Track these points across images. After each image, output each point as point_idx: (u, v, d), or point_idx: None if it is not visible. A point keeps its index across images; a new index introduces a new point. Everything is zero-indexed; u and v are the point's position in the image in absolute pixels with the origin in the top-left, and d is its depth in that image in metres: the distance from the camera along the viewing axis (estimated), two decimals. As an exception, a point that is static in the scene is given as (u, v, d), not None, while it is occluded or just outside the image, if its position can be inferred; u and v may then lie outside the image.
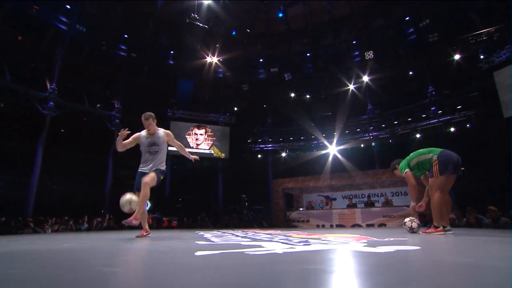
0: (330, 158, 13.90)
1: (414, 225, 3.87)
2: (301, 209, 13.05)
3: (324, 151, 14.24)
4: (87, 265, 1.44)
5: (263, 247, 2.25)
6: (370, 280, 1.01)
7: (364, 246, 2.15)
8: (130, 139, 3.90)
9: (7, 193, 11.61)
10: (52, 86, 11.94)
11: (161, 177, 3.81)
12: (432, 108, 11.68)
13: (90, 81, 13.40)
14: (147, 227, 3.82)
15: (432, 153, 3.70)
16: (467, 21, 11.06)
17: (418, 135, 11.60)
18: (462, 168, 3.75)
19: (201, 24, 10.74)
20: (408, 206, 10.88)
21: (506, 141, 9.91)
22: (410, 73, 12.84)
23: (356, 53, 14.32)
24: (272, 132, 15.65)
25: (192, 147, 14.20)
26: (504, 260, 1.40)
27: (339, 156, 13.75)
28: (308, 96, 14.93)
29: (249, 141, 15.46)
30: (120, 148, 3.82)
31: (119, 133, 3.72)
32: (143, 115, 3.82)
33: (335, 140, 13.96)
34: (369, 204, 11.63)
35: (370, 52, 12.17)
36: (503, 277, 0.99)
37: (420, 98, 12.14)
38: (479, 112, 10.57)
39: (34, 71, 12.35)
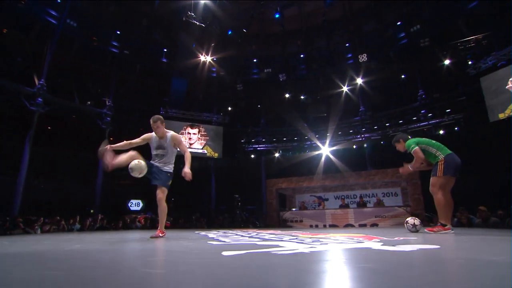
0: (323, 158, 14.07)
1: (417, 222, 4.00)
2: (293, 209, 13.16)
3: (317, 152, 14.40)
4: (124, 267, 1.42)
5: (282, 246, 2.27)
6: (422, 280, 1.04)
7: (382, 245, 2.20)
8: (139, 139, 3.96)
9: (-9, 192, 11.15)
10: (41, 82, 11.53)
11: (170, 182, 3.90)
12: (422, 111, 12.03)
13: (81, 78, 13.04)
14: (163, 228, 3.84)
15: (440, 151, 3.81)
16: (456, 27, 11.45)
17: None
18: None
19: (198, 23, 10.64)
20: (399, 206, 11.12)
21: (493, 144, 10.35)
22: (402, 76, 13.15)
23: (349, 56, 14.56)
24: (266, 133, 15.70)
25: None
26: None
27: (331, 157, 13.94)
28: (302, 97, 15.05)
29: (242, 141, 15.45)
30: (125, 147, 3.84)
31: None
32: (151, 118, 3.87)
33: (327, 141, 14.14)
34: (362, 204, 11.85)
35: (364, 55, 12.41)
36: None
37: (411, 101, 12.48)
38: (467, 116, 10.97)
39: (21, 66, 11.90)
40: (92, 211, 12.11)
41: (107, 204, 11.43)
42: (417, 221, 4.05)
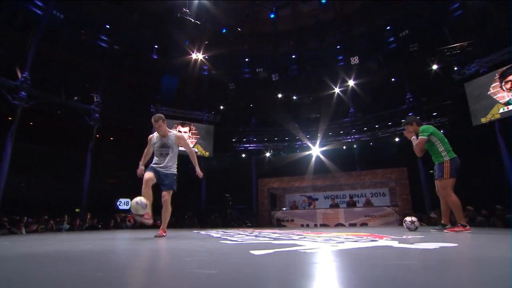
0: (313, 159, 14.27)
1: (415, 219, 4.20)
2: (284, 208, 13.27)
3: (307, 152, 14.57)
4: (173, 267, 1.39)
5: (302, 245, 2.29)
6: (471, 277, 1.09)
7: (399, 243, 2.26)
8: (148, 145, 4.04)
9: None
10: (24, 75, 11.00)
11: (176, 183, 3.95)
12: (410, 114, 12.42)
13: (68, 72, 12.55)
14: (165, 227, 3.83)
15: (446, 152, 3.89)
16: (443, 34, 11.92)
17: (397, 139, 12.28)
18: None
19: (193, 20, 10.49)
20: (388, 206, 11.40)
21: (476, 147, 10.86)
22: (393, 79, 13.54)
23: (340, 58, 14.83)
24: (257, 132, 15.72)
25: (176, 145, 13.84)
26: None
27: (322, 157, 14.15)
28: (295, 97, 15.18)
29: (233, 140, 15.40)
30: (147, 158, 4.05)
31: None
32: (152, 117, 3.88)
33: (318, 142, 14.34)
34: (352, 204, 12.12)
35: (356, 58, 12.67)
36: None
37: (399, 104, 12.88)
38: (451, 120, 11.44)
39: (3, 58, 11.30)
40: (77, 210, 11.70)
41: (95, 203, 11.07)
42: (414, 219, 4.25)
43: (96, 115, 12.29)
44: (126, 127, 13.51)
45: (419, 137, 4.01)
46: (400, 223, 10.02)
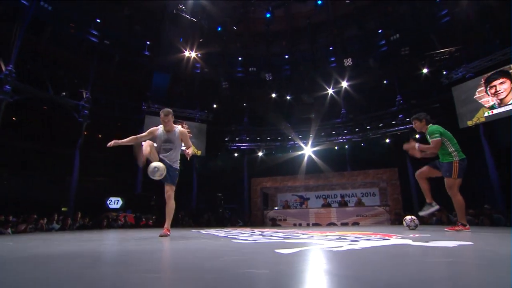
0: (306, 158, 14.41)
1: (414, 217, 4.35)
2: (276, 208, 13.34)
3: (300, 152, 14.70)
4: (220, 268, 1.37)
5: (319, 244, 2.31)
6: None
7: (414, 241, 2.33)
8: (146, 133, 3.87)
9: None
10: (9, 68, 10.54)
11: (177, 178, 3.87)
12: (400, 116, 12.78)
13: (55, 67, 12.09)
14: (169, 226, 3.74)
15: (457, 153, 3.93)
16: (432, 39, 12.30)
17: (387, 140, 12.59)
18: None
19: (189, 17, 10.35)
20: (379, 206, 11.63)
21: (463, 149, 11.26)
22: (385, 82, 13.85)
23: (333, 59, 15.03)
24: (249, 131, 15.71)
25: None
26: None
27: (314, 157, 14.32)
28: (288, 98, 15.28)
29: (226, 139, 15.33)
30: (134, 142, 3.77)
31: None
32: (162, 111, 3.80)
33: (310, 142, 14.50)
34: (343, 204, 12.32)
35: (349, 59, 12.88)
36: None
37: (390, 106, 13.21)
38: (439, 122, 11.78)
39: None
40: (64, 209, 11.33)
41: (84, 202, 10.74)
42: (414, 217, 4.41)
43: (86, 111, 11.94)
44: (116, 124, 13.17)
45: (433, 139, 3.98)
46: (391, 222, 10.30)
